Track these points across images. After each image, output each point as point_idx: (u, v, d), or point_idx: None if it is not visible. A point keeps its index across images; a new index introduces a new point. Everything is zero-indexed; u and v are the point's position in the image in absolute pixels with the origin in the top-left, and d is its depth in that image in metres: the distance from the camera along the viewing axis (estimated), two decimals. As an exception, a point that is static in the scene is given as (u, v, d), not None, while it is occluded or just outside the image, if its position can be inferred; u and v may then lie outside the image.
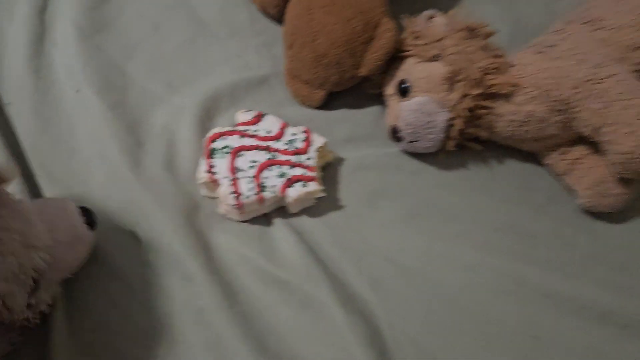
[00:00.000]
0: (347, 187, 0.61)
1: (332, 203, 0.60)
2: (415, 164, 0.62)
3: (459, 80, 0.56)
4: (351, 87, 0.64)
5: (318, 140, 0.58)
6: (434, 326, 0.52)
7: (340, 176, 0.61)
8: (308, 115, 0.65)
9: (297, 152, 0.57)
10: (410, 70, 0.58)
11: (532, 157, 0.63)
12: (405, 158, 0.62)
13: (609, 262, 0.57)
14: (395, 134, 0.59)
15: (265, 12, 0.70)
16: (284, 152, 0.57)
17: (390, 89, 0.61)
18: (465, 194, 0.61)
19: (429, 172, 0.62)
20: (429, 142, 0.58)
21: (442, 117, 0.57)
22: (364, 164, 0.62)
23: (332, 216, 0.59)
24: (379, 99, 0.65)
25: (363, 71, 0.59)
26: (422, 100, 0.57)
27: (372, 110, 0.65)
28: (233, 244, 0.56)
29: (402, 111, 0.58)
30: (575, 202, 0.59)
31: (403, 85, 0.58)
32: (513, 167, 0.63)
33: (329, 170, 0.61)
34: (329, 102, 0.65)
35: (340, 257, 0.56)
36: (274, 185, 0.55)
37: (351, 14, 0.58)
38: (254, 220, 0.58)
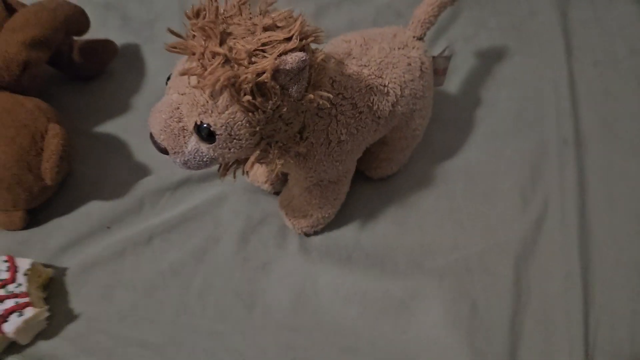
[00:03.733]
0: (78, 294, 0.60)
1: (67, 315, 0.58)
2: (134, 247, 0.64)
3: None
4: (54, 194, 0.64)
5: (24, 263, 0.57)
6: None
7: (68, 286, 0.60)
8: (18, 238, 0.63)
9: (4, 284, 0.55)
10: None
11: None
12: (124, 244, 0.64)
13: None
14: None
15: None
16: (-11, 290, 0.54)
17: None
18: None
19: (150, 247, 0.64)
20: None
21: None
22: (87, 264, 0.62)
23: (71, 328, 0.58)
24: (81, 200, 0.66)
25: (48, 181, 0.59)
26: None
27: (80, 212, 0.66)
28: (-36, 404, 0.52)
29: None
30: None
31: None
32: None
33: (54, 285, 0.60)
34: (37, 216, 0.64)
35: (89, 361, 0.55)
36: (-13, 328, 0.52)
37: (14, 132, 0.58)
38: (-16, 370, 0.54)
